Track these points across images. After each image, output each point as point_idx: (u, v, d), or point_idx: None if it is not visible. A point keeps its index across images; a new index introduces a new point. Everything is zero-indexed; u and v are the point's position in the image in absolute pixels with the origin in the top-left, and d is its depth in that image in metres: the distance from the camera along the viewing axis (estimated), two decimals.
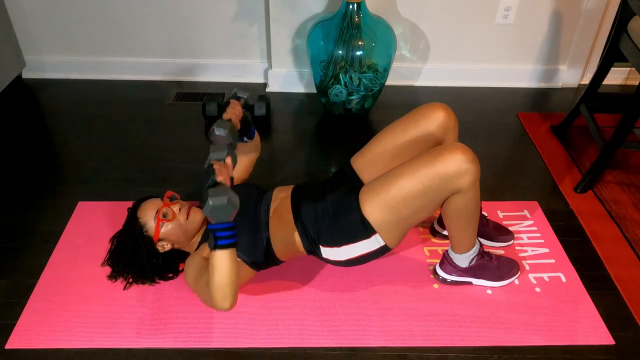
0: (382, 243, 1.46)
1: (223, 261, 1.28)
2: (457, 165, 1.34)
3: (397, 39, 2.51)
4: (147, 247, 1.54)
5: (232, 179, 1.34)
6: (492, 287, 1.64)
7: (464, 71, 2.73)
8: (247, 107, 1.62)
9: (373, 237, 1.45)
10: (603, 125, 2.26)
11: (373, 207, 1.42)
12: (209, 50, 2.69)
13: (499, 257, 1.65)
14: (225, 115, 1.49)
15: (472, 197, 1.41)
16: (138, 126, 2.42)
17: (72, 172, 2.12)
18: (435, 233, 1.83)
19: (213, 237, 1.27)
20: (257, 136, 1.72)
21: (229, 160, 1.35)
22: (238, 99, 1.60)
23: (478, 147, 1.82)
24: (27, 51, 2.69)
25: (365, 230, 1.44)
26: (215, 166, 1.31)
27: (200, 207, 1.21)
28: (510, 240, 1.79)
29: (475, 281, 1.64)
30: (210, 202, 1.20)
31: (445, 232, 1.81)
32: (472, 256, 1.58)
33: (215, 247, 1.27)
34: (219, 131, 1.41)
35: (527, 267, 1.71)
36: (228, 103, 1.54)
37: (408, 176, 1.37)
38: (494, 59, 2.70)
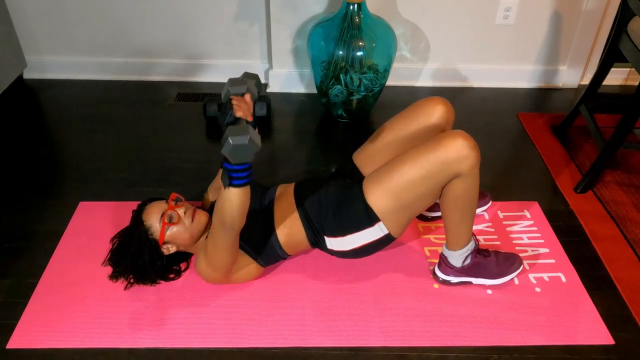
0: (386, 231, 1.48)
1: (237, 195, 1.26)
2: (457, 150, 1.36)
3: (398, 40, 2.51)
4: (152, 250, 1.54)
5: (253, 115, 1.20)
6: (493, 285, 1.64)
7: (464, 71, 2.73)
8: (252, 94, 1.33)
9: (377, 226, 1.47)
10: (603, 126, 2.26)
11: (376, 195, 1.44)
12: (209, 50, 2.70)
13: (497, 252, 1.65)
14: (237, 114, 1.26)
15: (471, 185, 1.42)
16: (139, 126, 2.42)
17: (73, 172, 2.12)
18: (423, 217, 1.87)
19: (228, 176, 1.22)
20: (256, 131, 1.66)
21: (248, 97, 1.21)
22: (239, 94, 1.31)
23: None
24: (28, 51, 2.69)
25: (368, 218, 1.46)
26: (234, 101, 1.20)
27: (221, 144, 1.08)
28: (488, 203, 1.91)
29: (475, 280, 1.64)
30: (231, 140, 1.07)
31: (433, 214, 1.85)
32: (466, 254, 1.57)
33: (230, 185, 1.24)
34: (237, 140, 1.10)
35: (527, 267, 1.72)
36: (228, 103, 1.31)
37: (410, 163, 1.40)
38: (494, 59, 2.70)
